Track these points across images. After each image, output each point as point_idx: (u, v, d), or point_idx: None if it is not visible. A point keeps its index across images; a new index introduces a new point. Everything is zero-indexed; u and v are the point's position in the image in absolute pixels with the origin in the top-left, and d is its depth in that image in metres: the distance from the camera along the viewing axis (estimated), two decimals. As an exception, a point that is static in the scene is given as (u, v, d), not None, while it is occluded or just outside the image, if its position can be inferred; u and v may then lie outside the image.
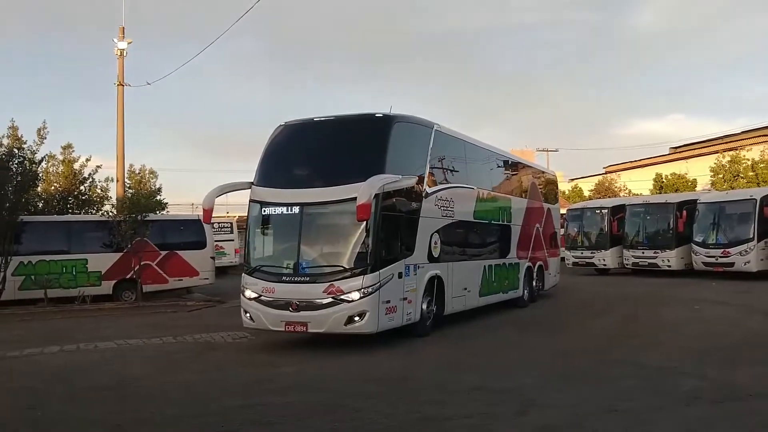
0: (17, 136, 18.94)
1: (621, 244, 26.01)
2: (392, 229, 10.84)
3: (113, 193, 21.52)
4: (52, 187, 23.15)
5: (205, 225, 19.11)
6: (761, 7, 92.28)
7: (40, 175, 20.63)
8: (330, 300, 10.18)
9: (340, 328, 10.21)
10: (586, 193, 48.18)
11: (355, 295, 10.11)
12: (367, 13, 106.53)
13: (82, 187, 23.12)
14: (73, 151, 23.98)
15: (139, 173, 22.10)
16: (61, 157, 23.79)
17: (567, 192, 48.09)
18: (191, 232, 19.65)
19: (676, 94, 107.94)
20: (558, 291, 19.02)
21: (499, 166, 15.94)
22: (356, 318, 10.13)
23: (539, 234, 17.79)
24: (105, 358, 10.51)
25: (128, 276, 18.46)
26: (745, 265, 21.64)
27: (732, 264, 21.91)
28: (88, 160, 24.01)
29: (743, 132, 47.26)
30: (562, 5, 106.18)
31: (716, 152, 38.39)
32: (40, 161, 19.74)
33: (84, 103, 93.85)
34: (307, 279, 10.48)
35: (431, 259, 11.87)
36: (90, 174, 23.71)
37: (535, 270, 17.28)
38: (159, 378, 8.99)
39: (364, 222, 10.07)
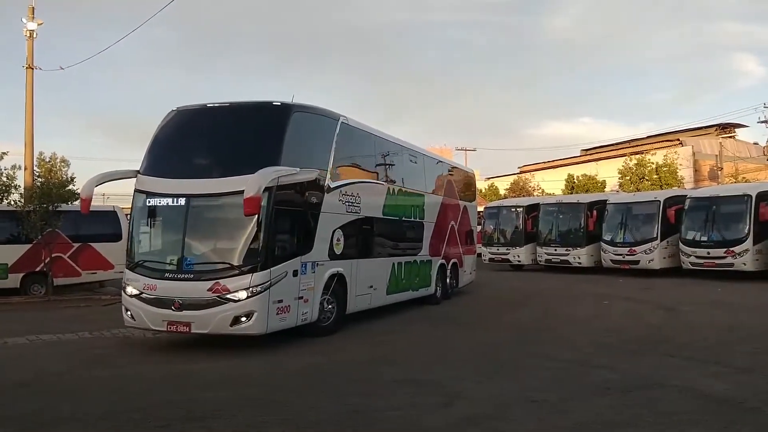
0: None
1: (535, 241, 27.01)
2: (287, 225, 10.32)
3: (21, 182, 20.47)
4: (-48, 174, 21.84)
5: (120, 216, 18.62)
6: (666, 18, 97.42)
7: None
8: (215, 299, 9.57)
9: (226, 329, 9.62)
10: (502, 192, 49.67)
11: (242, 294, 9.52)
12: (286, 5, 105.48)
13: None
14: (-24, 136, 22.76)
15: (49, 161, 21.10)
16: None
17: (484, 190, 49.38)
18: (105, 223, 18.96)
19: (585, 97, 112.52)
20: (474, 287, 19.40)
21: (412, 162, 15.61)
22: (243, 318, 9.54)
23: (454, 231, 17.78)
24: (16, 354, 10.09)
25: (38, 269, 17.69)
26: (649, 263, 22.94)
27: (638, 262, 23.17)
28: (-7, 146, 22.83)
29: (648, 137, 49.98)
30: (478, 7, 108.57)
31: (624, 155, 40.40)
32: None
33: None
34: (192, 276, 9.82)
35: (333, 256, 11.50)
36: (-5, 161, 22.52)
37: (449, 267, 17.30)
38: (77, 374, 8.71)
39: (255, 216, 9.50)
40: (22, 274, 17.60)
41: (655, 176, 36.92)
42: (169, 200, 10.15)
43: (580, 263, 25.25)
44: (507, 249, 27.68)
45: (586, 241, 25.27)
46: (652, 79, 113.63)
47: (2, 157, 22.86)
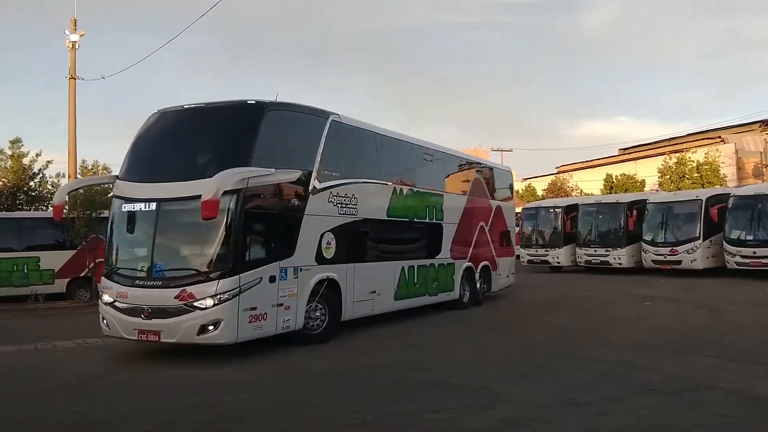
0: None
1: (574, 242, 26.67)
2: (261, 228, 9.89)
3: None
4: (0, 183, 22.56)
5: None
6: (702, 13, 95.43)
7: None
8: (182, 307, 9.13)
9: (193, 338, 9.16)
10: (540, 193, 49.14)
11: (208, 302, 9.06)
12: (311, 12, 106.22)
13: (32, 183, 22.58)
14: (22, 145, 23.48)
15: (92, 169, 21.69)
16: (9, 152, 23.23)
17: (521, 191, 48.96)
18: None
19: (622, 96, 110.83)
20: (511, 290, 18.80)
21: (427, 161, 14.86)
22: (210, 327, 9.07)
23: (484, 233, 16.93)
24: (64, 357, 10.33)
25: (82, 274, 18.11)
26: (692, 263, 22.47)
27: (680, 262, 22.71)
28: (38, 155, 23.53)
29: (688, 135, 48.89)
30: (507, 8, 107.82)
31: (663, 154, 39.61)
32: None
33: (34, 96, 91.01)
34: (160, 283, 9.41)
35: (321, 260, 10.94)
36: (40, 169, 23.21)
37: (479, 270, 16.44)
38: (117, 377, 8.86)
39: (223, 220, 9.16)
40: (67, 279, 18.05)
41: (696, 174, 36.13)
42: (141, 205, 9.82)
43: (620, 264, 24.84)
44: (546, 250, 27.40)
45: (626, 242, 24.86)
46: (689, 77, 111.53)
47: (47, 166, 23.65)
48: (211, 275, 9.22)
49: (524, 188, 52.47)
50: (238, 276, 9.23)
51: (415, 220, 14.05)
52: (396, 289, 13.18)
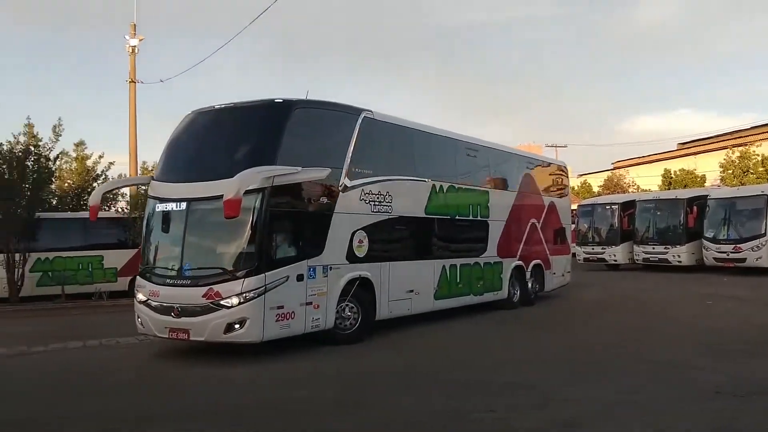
0: (33, 133, 19.12)
1: (631, 239, 26.10)
2: (288, 227, 9.85)
3: (127, 190, 21.66)
4: (66, 184, 23.40)
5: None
6: (764, 3, 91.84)
7: (55, 172, 20.83)
8: (209, 305, 9.20)
9: (220, 337, 9.23)
10: (595, 189, 48.26)
11: (234, 301, 9.10)
12: (366, 12, 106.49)
13: (95, 184, 23.30)
14: (86, 147, 24.34)
15: (152, 170, 22.24)
16: (74, 154, 24.10)
17: (576, 188, 48.15)
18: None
19: (682, 89, 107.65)
20: (566, 289, 18.24)
21: (471, 157, 14.35)
22: (236, 325, 9.12)
23: (536, 230, 16.42)
24: (127, 353, 10.64)
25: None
26: (756, 260, 21.71)
27: (744, 260, 21.98)
28: (101, 156, 24.34)
29: (753, 127, 47.15)
30: (562, 2, 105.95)
31: (725, 148, 38.40)
32: (56, 158, 19.98)
33: (97, 100, 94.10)
34: (189, 282, 9.52)
35: (353, 259, 10.81)
36: (103, 171, 23.97)
37: (530, 269, 15.98)
38: (180, 372, 9.09)
39: (249, 219, 9.22)
40: (129, 278, 18.54)
41: (762, 169, 34.85)
42: (173, 205, 9.94)
43: (680, 262, 24.20)
44: (602, 248, 26.87)
45: (686, 239, 24.22)
46: (752, 68, 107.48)
47: (109, 167, 24.40)
48: (237, 274, 9.27)
49: (580, 185, 51.58)
50: (263, 274, 9.24)
51: (457, 217, 13.66)
52: (436, 288, 12.88)
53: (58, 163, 21.25)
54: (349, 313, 10.82)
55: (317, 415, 6.66)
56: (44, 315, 15.72)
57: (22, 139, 18.56)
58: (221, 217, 8.90)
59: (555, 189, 17.94)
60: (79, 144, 24.22)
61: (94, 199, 11.17)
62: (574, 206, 26.29)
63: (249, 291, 9.14)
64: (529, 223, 16.19)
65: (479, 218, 14.35)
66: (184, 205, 9.74)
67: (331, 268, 10.35)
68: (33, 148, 18.42)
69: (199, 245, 9.95)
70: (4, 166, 17.64)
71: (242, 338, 9.27)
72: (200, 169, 10.06)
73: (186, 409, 7.05)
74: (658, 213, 25.75)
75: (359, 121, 11.21)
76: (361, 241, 11.01)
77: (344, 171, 10.74)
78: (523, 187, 16.09)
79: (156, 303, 9.73)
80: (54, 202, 21.48)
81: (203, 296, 9.23)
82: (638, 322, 13.04)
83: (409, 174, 12.36)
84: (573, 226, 24.26)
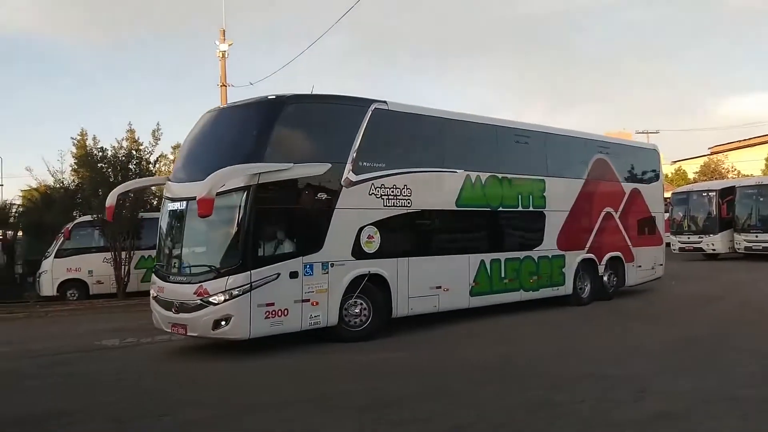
0: (134, 138, 20.23)
1: (731, 227, 24.97)
2: (278, 224, 9.82)
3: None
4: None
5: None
6: None
7: (155, 174, 21.95)
8: (199, 302, 9.41)
9: (209, 333, 9.43)
10: (691, 176, 46.31)
11: (220, 298, 9.25)
12: (446, 4, 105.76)
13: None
14: (183, 150, 25.48)
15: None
16: (171, 157, 25.28)
17: (670, 175, 46.36)
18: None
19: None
20: (660, 280, 16.97)
21: (520, 143, 13.55)
22: (222, 322, 9.26)
23: (613, 219, 15.28)
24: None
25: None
26: None
27: None
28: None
29: None
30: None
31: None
32: (155, 161, 21.08)
33: (191, 104, 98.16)
34: (185, 279, 9.85)
35: (361, 255, 10.56)
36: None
37: (604, 262, 14.97)
38: (257, 363, 9.43)
39: (236, 217, 9.41)
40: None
41: None
42: (177, 204, 10.25)
43: (785, 250, 22.92)
44: (699, 237, 25.83)
45: (792, 226, 22.89)
46: None
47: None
48: (222, 271, 9.41)
49: (674, 171, 49.59)
50: (249, 272, 9.28)
51: (501, 209, 12.97)
52: (472, 284, 12.28)
53: (157, 165, 22.37)
54: (357, 310, 10.63)
55: (416, 403, 6.79)
56: (149, 310, 16.59)
57: (124, 144, 19.70)
58: (210, 216, 9.18)
59: (640, 175, 16.58)
60: (176, 147, 25.40)
61: (109, 200, 11.46)
62: (668, 194, 25.37)
63: (233, 288, 9.24)
64: (603, 213, 15.08)
65: (532, 209, 13.56)
66: (183, 204, 10.04)
67: (332, 265, 10.20)
68: (135, 152, 19.54)
69: (194, 243, 10.27)
70: (109, 170, 18.85)
71: (228, 335, 9.44)
72: (197, 169, 10.15)
73: (283, 395, 7.35)
74: (761, 199, 24.55)
75: (368, 113, 10.90)
76: (371, 237, 10.76)
77: (348, 166, 10.52)
78: (594, 174, 14.95)
79: (162, 298, 10.14)
80: (155, 203, 22.66)
81: (194, 293, 9.48)
82: (742, 315, 12.51)
83: (437, 165, 11.93)
84: (667, 215, 23.45)
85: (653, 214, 16.73)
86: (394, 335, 10.88)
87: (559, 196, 14.00)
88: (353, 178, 10.55)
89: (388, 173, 11.02)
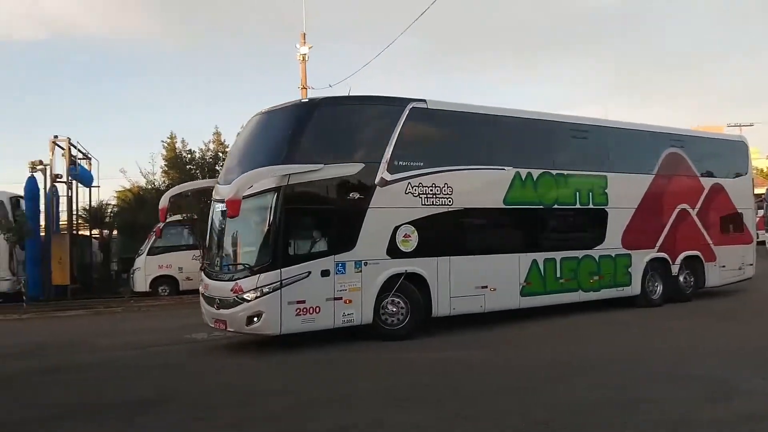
0: (221, 140, 21.09)
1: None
2: (309, 224, 10.21)
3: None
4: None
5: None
6: None
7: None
8: (235, 299, 9.86)
9: (243, 329, 9.88)
10: (787, 170, 43.86)
11: (251, 295, 9.65)
12: (533, 2, 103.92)
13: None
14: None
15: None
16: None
17: (766, 169, 44.06)
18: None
19: None
20: (749, 282, 16.19)
21: (577, 138, 13.20)
22: (254, 318, 9.67)
23: (689, 216, 14.66)
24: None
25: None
26: None
27: None
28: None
29: None
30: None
31: None
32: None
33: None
34: (224, 277, 10.37)
35: (396, 254, 10.62)
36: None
37: (679, 262, 14.36)
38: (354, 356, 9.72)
39: (267, 218, 9.77)
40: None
41: None
42: (220, 205, 10.53)
43: None
44: (796, 235, 24.43)
45: None
46: None
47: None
48: (254, 269, 9.79)
49: (768, 167, 47.08)
50: (279, 270, 9.60)
51: (555, 207, 12.71)
52: (523, 284, 12.08)
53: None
54: (393, 309, 10.68)
55: (490, 399, 6.89)
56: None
57: (211, 146, 20.58)
58: (245, 217, 9.75)
59: (725, 169, 15.79)
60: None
61: (162, 202, 12.08)
62: (762, 190, 24.17)
63: (264, 286, 9.59)
64: (677, 209, 14.50)
65: (592, 206, 13.19)
66: (224, 205, 10.26)
67: (366, 264, 10.33)
68: (221, 154, 20.36)
69: (232, 243, 10.69)
70: (197, 171, 19.69)
71: (260, 331, 9.83)
72: (237, 171, 10.52)
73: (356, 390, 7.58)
74: None
75: (405, 112, 10.95)
76: (407, 236, 10.79)
77: (383, 165, 10.62)
78: (666, 169, 14.38)
79: (207, 295, 10.66)
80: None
81: (231, 290, 9.92)
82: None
83: (482, 163, 11.81)
84: (761, 212, 22.37)
85: (740, 211, 15.91)
86: (457, 334, 11.02)
87: (624, 192, 13.60)
88: (388, 177, 10.66)
89: (425, 172, 11.04)
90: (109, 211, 27.26)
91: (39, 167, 21.26)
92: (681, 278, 14.52)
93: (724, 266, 15.22)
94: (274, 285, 9.60)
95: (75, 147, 22.27)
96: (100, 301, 19.58)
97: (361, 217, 10.41)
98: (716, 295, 15.32)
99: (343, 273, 10.12)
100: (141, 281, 19.60)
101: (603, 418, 6.15)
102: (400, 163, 10.81)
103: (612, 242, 13.36)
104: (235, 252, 10.63)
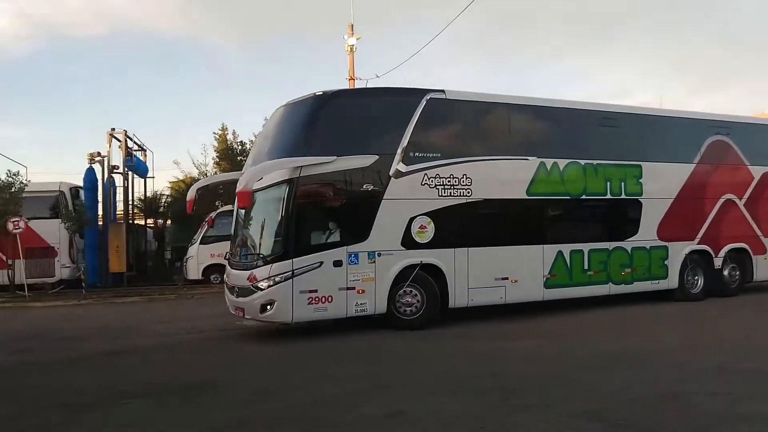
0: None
1: None
2: (321, 215, 10.41)
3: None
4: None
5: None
6: None
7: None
8: (250, 287, 10.15)
9: (258, 316, 10.16)
10: None
11: (265, 284, 9.94)
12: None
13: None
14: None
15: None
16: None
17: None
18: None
19: None
20: None
21: (608, 127, 12.84)
22: (268, 306, 9.96)
23: (735, 207, 14.19)
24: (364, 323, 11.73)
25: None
26: None
27: None
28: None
29: None
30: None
31: None
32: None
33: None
34: (242, 266, 10.72)
35: (411, 245, 10.72)
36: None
37: (722, 254, 13.94)
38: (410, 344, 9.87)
39: (279, 209, 10.04)
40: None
41: None
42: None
43: None
44: None
45: None
46: None
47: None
48: (268, 259, 10.07)
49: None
50: (291, 260, 9.86)
51: (583, 197, 12.47)
52: (547, 276, 11.94)
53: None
54: (409, 299, 10.80)
55: (538, 389, 6.92)
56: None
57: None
58: (258, 206, 10.46)
59: None
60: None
61: (190, 194, 12.46)
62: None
63: (276, 275, 9.88)
64: (721, 200, 14.04)
65: (625, 197, 12.89)
66: None
67: (379, 254, 10.46)
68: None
69: (249, 234, 11.14)
70: (247, 162, 20.05)
71: (273, 318, 10.16)
72: (255, 164, 10.92)
73: (418, 377, 7.72)
74: None
75: (422, 104, 10.98)
76: (423, 227, 10.84)
77: (398, 157, 10.70)
78: (709, 157, 13.91)
79: (229, 284, 11.13)
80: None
81: (247, 279, 10.25)
82: None
83: (503, 153, 11.71)
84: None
85: None
86: (492, 325, 11.14)
87: (661, 182, 13.24)
88: (403, 169, 10.74)
89: (443, 163, 11.05)
90: (163, 201, 28.06)
91: (97, 159, 22.06)
92: (725, 272, 14.08)
93: None
94: (286, 274, 9.88)
95: (131, 139, 23.00)
96: (155, 288, 20.26)
97: (375, 208, 10.56)
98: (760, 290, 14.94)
99: (356, 263, 10.32)
100: (194, 269, 20.12)
101: (652, 409, 6.12)
102: (417, 154, 10.88)
103: (647, 234, 13.07)
104: (251, 242, 11.04)
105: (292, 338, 10.77)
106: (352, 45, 25.30)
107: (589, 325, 11.23)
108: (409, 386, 7.26)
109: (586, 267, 12.36)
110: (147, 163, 24.75)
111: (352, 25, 25.42)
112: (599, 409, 6.13)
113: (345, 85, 24.95)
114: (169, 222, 27.84)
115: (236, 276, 10.75)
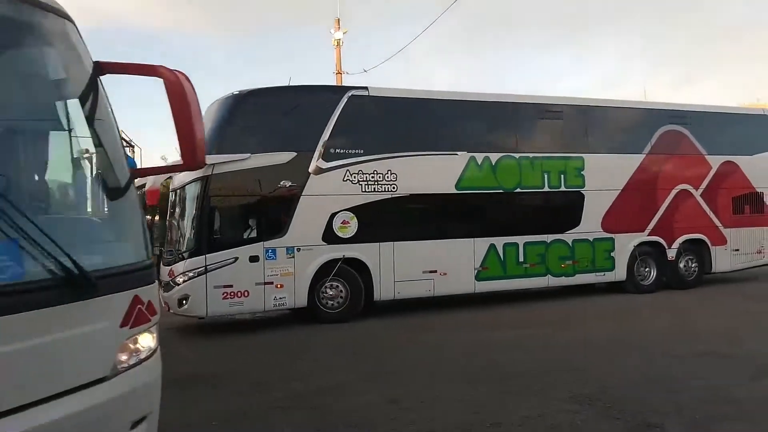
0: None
1: None
2: (235, 212, 10.71)
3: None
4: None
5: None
6: None
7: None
8: (170, 282, 10.40)
9: (177, 310, 10.27)
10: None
11: (180, 279, 10.18)
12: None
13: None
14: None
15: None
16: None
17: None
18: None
19: None
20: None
21: (549, 120, 12.79)
22: (183, 301, 10.12)
23: (691, 198, 13.84)
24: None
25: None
26: None
27: None
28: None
29: None
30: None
31: None
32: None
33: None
34: (166, 261, 10.99)
35: (333, 240, 10.84)
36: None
37: (677, 245, 13.67)
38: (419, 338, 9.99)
39: (193, 206, 10.36)
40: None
41: None
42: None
43: None
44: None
45: None
46: None
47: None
48: (184, 255, 10.35)
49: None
50: (203, 256, 10.05)
51: (518, 190, 12.35)
52: (479, 268, 11.95)
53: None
54: (332, 293, 10.96)
55: (534, 376, 7.03)
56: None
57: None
58: (180, 205, 10.91)
59: (741, 145, 14.47)
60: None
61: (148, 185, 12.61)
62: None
63: (189, 271, 10.10)
64: (675, 190, 13.70)
65: (564, 189, 12.71)
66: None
67: (299, 249, 10.62)
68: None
69: (169, 230, 11.58)
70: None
71: (188, 313, 10.31)
72: None
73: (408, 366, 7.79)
74: None
75: (343, 101, 11.10)
76: (346, 222, 10.98)
77: (317, 153, 10.81)
78: (661, 147, 13.57)
79: (158, 278, 11.37)
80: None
81: (167, 274, 10.53)
82: None
83: (430, 149, 11.69)
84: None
85: (760, 190, 14.75)
86: (475, 316, 11.25)
87: (605, 174, 12.99)
88: (324, 165, 10.85)
89: (365, 159, 11.15)
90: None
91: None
92: (681, 264, 13.85)
93: (737, 250, 14.34)
94: (199, 270, 10.07)
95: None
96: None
97: (293, 204, 10.68)
98: (733, 280, 14.83)
99: (273, 259, 10.47)
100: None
101: (649, 393, 6.22)
102: (338, 150, 10.98)
103: (590, 226, 12.93)
104: (171, 238, 11.36)
105: (291, 328, 10.84)
106: (339, 39, 25.27)
107: (563, 315, 11.27)
108: (405, 373, 7.38)
109: (521, 260, 12.36)
110: (135, 159, 24.66)
111: (339, 20, 25.44)
112: (600, 392, 6.22)
113: (333, 80, 25.03)
114: (157, 218, 27.74)
115: (162, 271, 10.90)
